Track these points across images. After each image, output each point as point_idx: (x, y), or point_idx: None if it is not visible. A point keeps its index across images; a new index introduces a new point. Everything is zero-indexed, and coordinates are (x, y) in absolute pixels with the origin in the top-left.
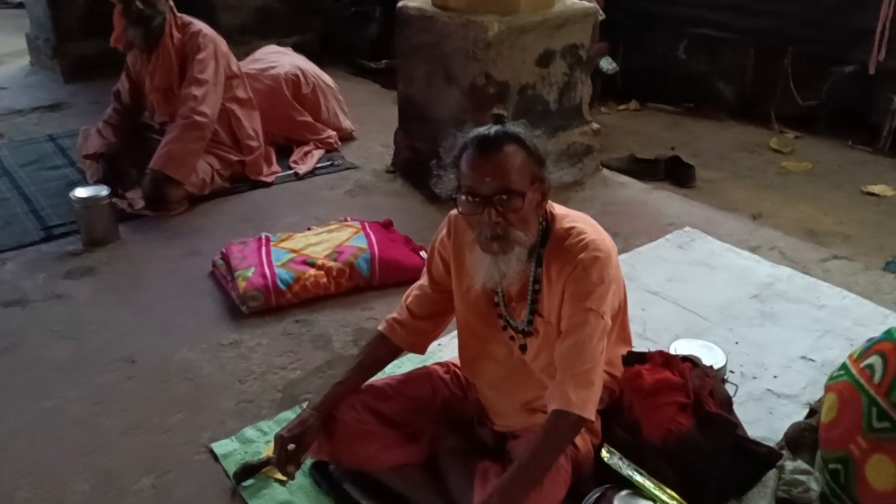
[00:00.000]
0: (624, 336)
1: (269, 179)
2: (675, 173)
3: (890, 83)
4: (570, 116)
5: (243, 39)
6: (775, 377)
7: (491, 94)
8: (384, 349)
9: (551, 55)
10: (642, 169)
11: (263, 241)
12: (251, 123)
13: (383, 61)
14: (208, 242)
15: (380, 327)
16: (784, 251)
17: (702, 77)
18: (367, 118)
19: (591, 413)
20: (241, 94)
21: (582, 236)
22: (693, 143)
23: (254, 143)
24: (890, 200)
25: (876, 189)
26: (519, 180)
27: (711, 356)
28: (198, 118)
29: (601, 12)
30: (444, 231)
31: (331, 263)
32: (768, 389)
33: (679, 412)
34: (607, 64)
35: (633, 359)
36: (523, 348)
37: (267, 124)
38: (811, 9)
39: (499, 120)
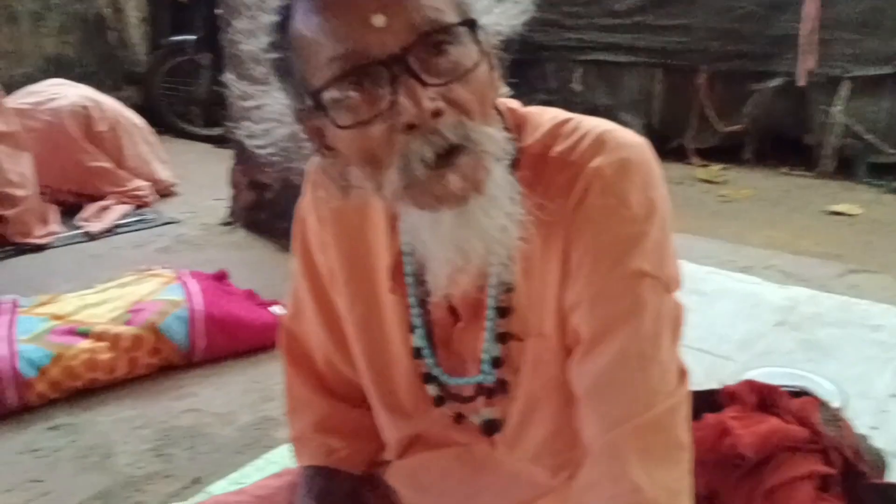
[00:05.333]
0: None
1: (41, 241)
2: None
3: (824, 94)
4: None
5: None
6: (875, 429)
7: None
8: (337, 490)
9: None
10: None
11: (9, 307)
12: (15, 166)
13: (218, 128)
14: None
15: (302, 459)
16: (785, 269)
17: (603, 110)
18: (195, 175)
19: None
20: None
21: (583, 129)
22: None
23: (19, 192)
24: (864, 219)
25: (841, 208)
26: (442, 4)
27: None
28: None
29: None
30: (310, 212)
31: (118, 329)
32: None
33: (818, 494)
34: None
35: (694, 403)
36: (490, 427)
37: (46, 175)
38: (723, 19)
39: None
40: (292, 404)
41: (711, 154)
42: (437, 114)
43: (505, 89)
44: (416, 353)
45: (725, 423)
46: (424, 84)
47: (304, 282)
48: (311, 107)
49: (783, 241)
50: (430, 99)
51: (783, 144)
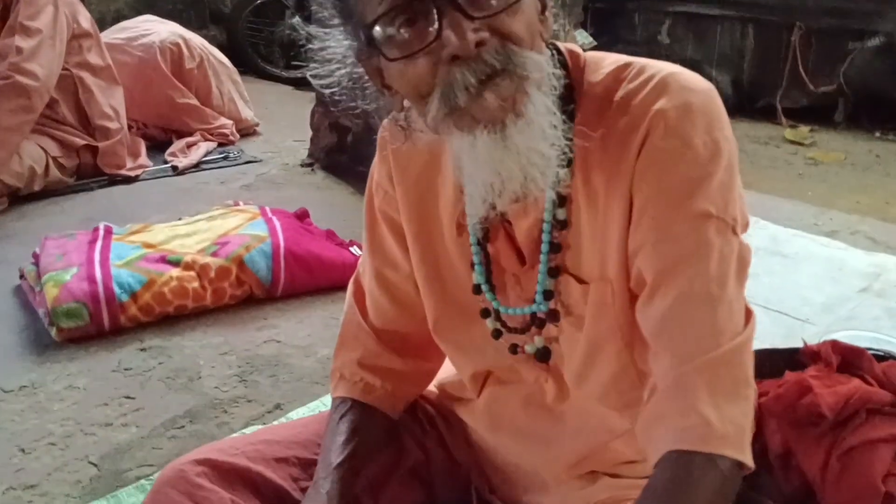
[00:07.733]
0: None
1: (132, 174)
2: None
3: None
4: None
5: None
6: None
7: None
8: (370, 427)
9: None
10: None
11: (101, 232)
12: (109, 99)
13: (300, 70)
14: (25, 249)
15: (338, 392)
16: (873, 236)
17: (690, 65)
18: (276, 117)
19: (748, 452)
20: (94, 59)
21: (648, 72)
22: None
23: (112, 125)
24: None
25: None
26: None
27: None
28: (22, 79)
29: None
30: (379, 168)
31: (206, 260)
32: None
33: None
34: (582, 38)
35: (774, 361)
36: (542, 355)
37: (136, 110)
38: None
39: None
40: (342, 338)
41: (801, 114)
42: (480, 44)
43: (588, 39)
44: (476, 290)
45: (806, 382)
46: (469, 17)
47: (365, 232)
48: (364, 43)
49: (872, 207)
50: (473, 31)
51: (878, 107)
